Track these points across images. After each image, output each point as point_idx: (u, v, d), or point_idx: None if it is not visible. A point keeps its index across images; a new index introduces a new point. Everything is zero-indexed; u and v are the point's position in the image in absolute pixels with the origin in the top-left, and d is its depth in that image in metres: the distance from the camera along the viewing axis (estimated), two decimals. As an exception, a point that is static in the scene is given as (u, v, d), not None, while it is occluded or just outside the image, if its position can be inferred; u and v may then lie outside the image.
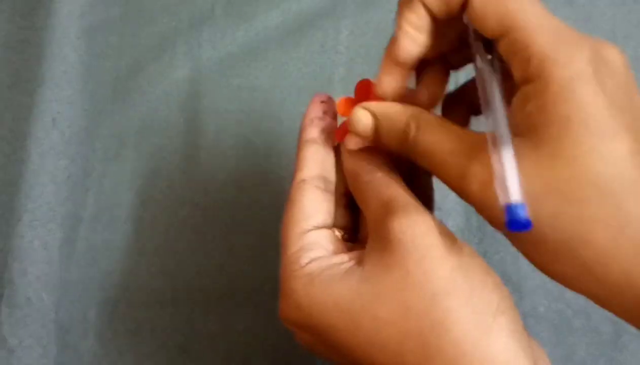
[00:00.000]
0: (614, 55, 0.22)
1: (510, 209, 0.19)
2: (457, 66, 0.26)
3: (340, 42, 0.43)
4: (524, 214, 0.19)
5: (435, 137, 0.23)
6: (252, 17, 0.44)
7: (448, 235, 0.23)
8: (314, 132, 0.27)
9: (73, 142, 0.42)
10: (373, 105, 0.25)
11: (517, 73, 0.22)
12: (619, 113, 0.21)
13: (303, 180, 0.26)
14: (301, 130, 0.27)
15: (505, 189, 0.20)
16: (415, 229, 0.23)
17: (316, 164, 0.26)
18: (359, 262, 0.24)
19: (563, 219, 0.20)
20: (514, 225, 0.19)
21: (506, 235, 0.23)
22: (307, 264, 0.24)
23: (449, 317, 0.21)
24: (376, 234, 0.24)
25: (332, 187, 0.27)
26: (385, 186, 0.25)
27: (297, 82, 0.43)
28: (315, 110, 0.27)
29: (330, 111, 0.27)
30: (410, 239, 0.22)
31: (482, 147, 0.21)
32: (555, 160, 0.20)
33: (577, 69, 0.21)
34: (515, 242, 0.22)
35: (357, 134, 0.25)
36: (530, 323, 0.37)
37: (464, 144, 0.22)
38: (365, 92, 0.27)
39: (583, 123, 0.20)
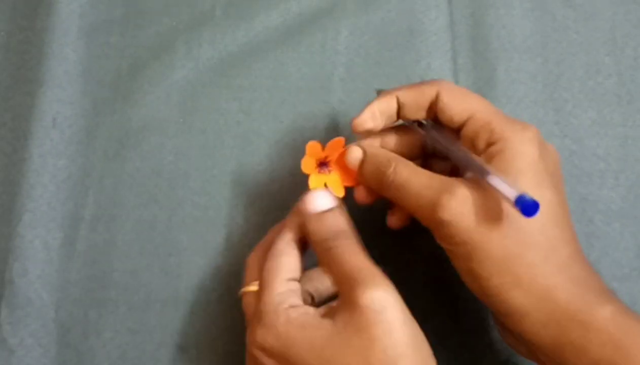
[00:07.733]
0: (551, 147, 0.30)
1: (519, 198, 0.25)
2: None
3: (340, 42, 0.43)
4: (530, 197, 0.25)
5: (411, 174, 0.30)
6: (252, 17, 0.44)
7: (404, 308, 0.28)
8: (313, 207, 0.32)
9: (73, 142, 0.42)
10: (364, 143, 0.33)
11: (481, 142, 0.30)
12: (548, 174, 0.29)
13: (292, 239, 0.31)
14: (303, 201, 0.32)
15: (506, 193, 0.26)
16: (383, 302, 0.27)
17: (301, 230, 0.32)
18: (328, 315, 0.28)
19: (505, 242, 0.28)
20: (528, 208, 0.25)
21: (466, 254, 0.28)
22: (289, 306, 0.29)
23: None
24: (345, 296, 0.28)
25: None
26: (349, 254, 0.29)
27: (297, 82, 0.43)
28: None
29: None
30: (379, 310, 0.27)
31: (450, 184, 0.29)
32: None
33: (527, 137, 0.29)
34: (464, 261, 0.29)
35: (348, 164, 0.33)
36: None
37: (435, 181, 0.29)
38: (335, 150, 0.34)
39: (528, 173, 0.28)
